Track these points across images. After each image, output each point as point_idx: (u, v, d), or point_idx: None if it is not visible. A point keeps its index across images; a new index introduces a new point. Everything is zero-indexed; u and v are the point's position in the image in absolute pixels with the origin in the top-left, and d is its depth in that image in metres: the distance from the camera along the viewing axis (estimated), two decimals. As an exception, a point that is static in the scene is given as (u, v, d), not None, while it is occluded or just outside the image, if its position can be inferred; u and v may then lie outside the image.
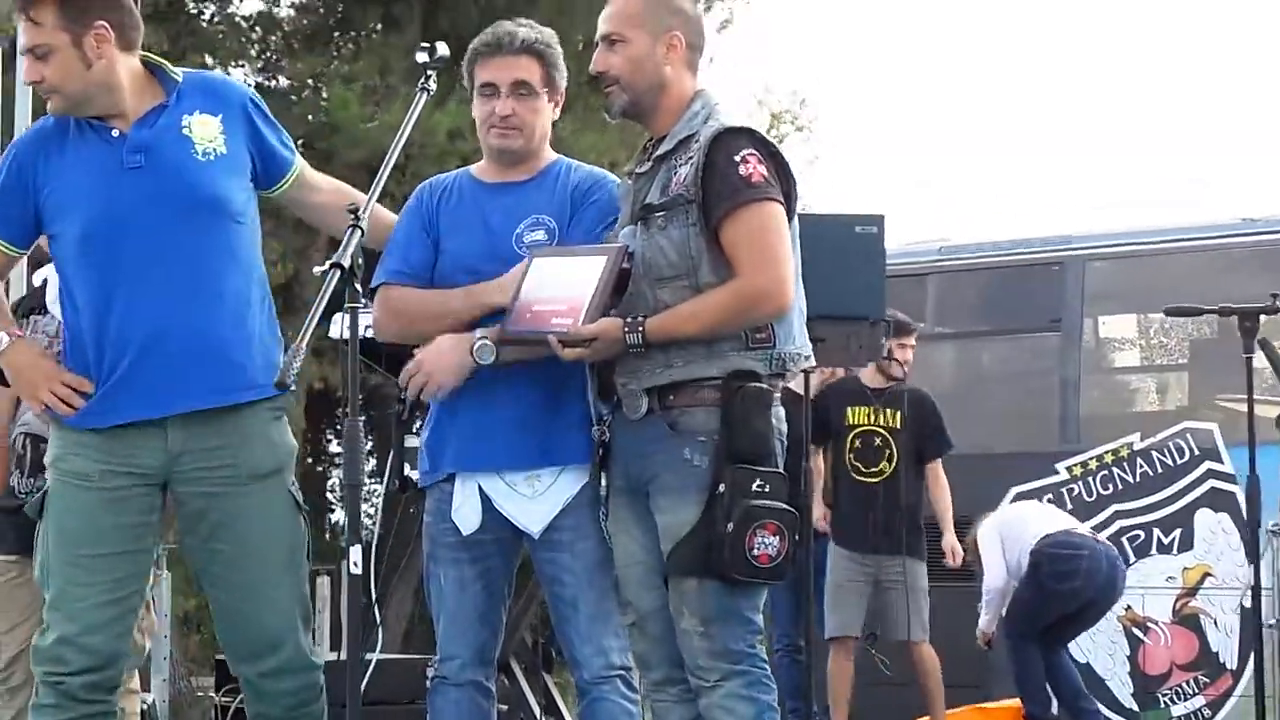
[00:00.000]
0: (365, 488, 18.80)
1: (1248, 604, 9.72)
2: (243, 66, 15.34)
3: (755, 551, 3.96)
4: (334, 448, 18.64)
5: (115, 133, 4.23)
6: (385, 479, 4.62)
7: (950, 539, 8.61)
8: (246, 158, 4.34)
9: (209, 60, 15.95)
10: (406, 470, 4.63)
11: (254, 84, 14.73)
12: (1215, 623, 9.86)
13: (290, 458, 4.38)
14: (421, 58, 4.17)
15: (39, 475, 4.65)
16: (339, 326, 5.23)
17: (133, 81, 4.24)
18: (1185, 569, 9.90)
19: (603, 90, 4.27)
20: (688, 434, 4.07)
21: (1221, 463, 10.05)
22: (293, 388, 3.66)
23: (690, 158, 4.13)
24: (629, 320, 4.07)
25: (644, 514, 4.17)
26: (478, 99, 4.43)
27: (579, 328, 4.07)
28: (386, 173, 3.99)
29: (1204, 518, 9.91)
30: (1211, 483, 9.91)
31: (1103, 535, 9.35)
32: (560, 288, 4.17)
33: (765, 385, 4.08)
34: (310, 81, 14.69)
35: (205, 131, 4.26)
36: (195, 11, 18.26)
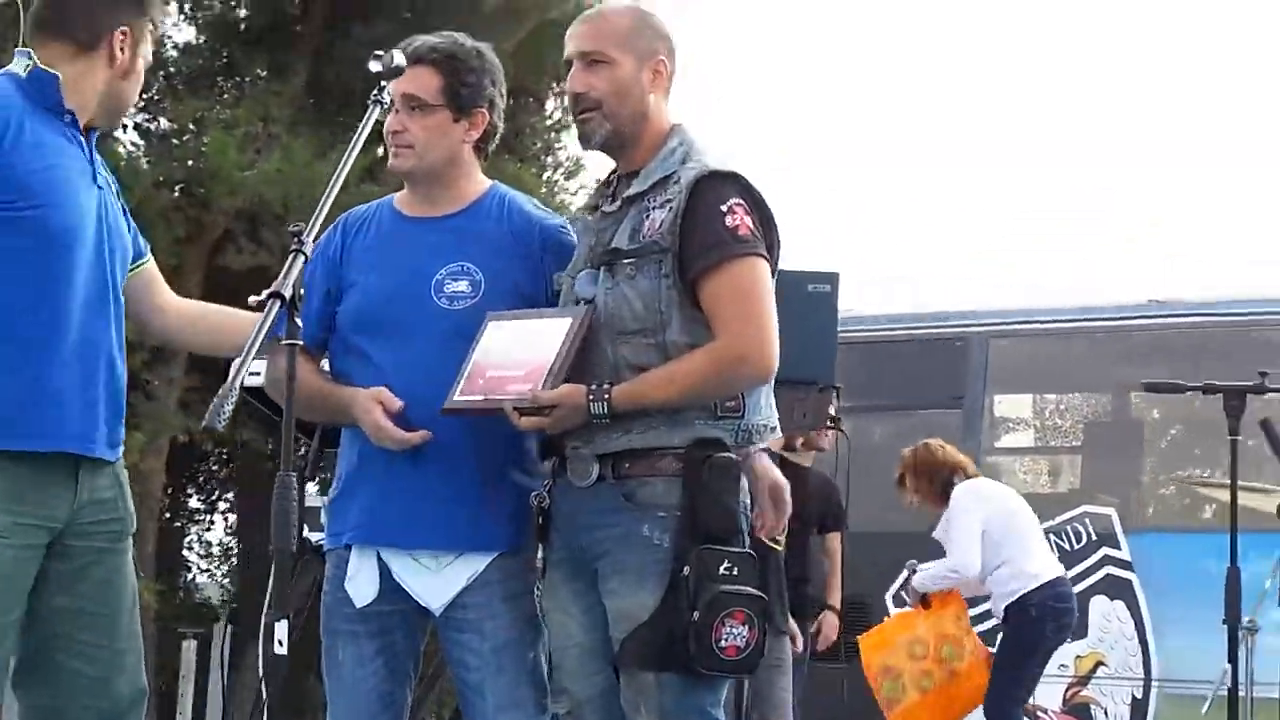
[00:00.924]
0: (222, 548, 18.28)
1: (1139, 695, 9.67)
2: (126, 106, 14.83)
3: (723, 643, 3.59)
4: (194, 503, 18.06)
5: (78, 134, 3.90)
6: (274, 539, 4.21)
7: (833, 619, 8.30)
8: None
9: None
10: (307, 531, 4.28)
11: (135, 124, 14.28)
12: (1106, 713, 9.72)
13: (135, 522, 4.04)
14: (375, 66, 3.71)
15: None
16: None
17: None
18: (1078, 657, 9.76)
19: (578, 115, 3.89)
20: (646, 507, 3.71)
21: (1119, 549, 9.93)
22: (220, 429, 3.25)
23: (668, 201, 3.77)
24: (594, 387, 3.69)
25: (586, 591, 3.80)
26: (389, 118, 4.01)
27: (538, 394, 3.69)
28: (332, 197, 3.56)
29: (1099, 605, 9.79)
30: (1108, 569, 9.78)
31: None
32: (518, 352, 3.79)
33: (734, 456, 3.73)
34: (192, 125, 14.22)
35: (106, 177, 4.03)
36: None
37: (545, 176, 16.97)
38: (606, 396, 3.68)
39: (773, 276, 3.80)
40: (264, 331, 3.30)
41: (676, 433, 3.71)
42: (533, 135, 16.66)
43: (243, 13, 15.86)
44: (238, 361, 3.25)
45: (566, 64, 3.92)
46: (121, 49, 3.92)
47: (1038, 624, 7.96)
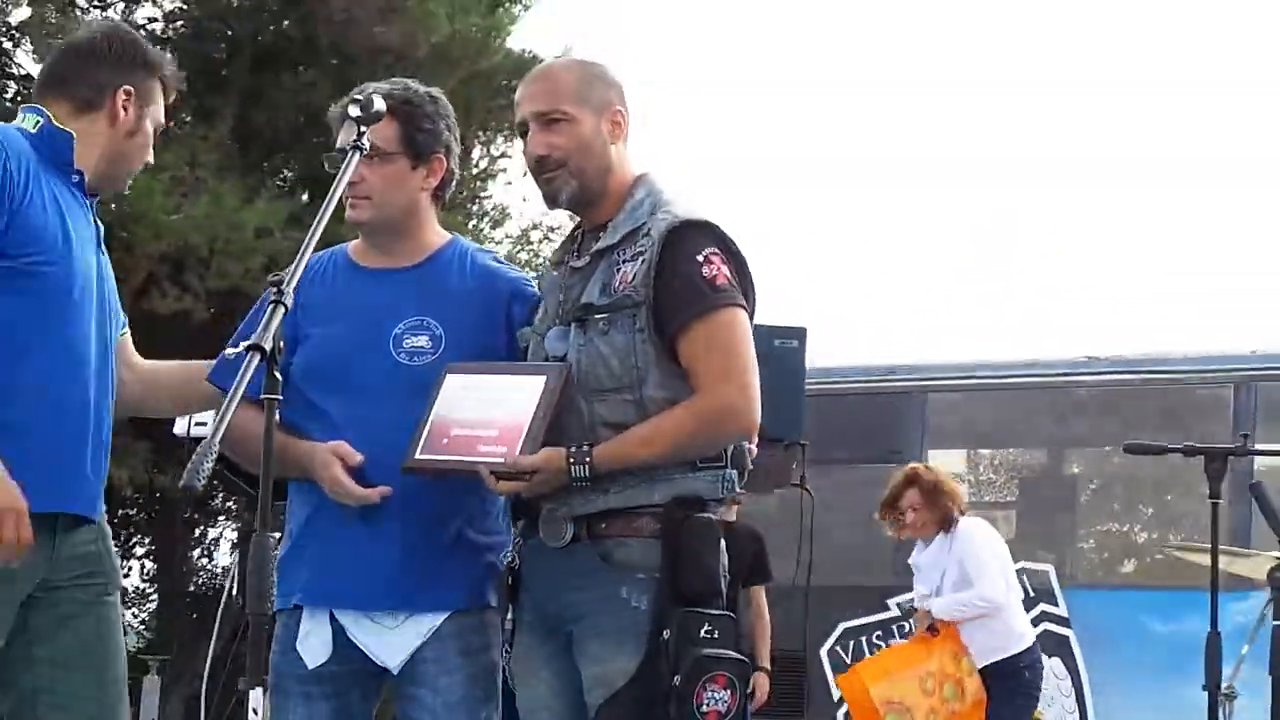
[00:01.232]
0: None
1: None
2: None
3: (704, 708, 3.49)
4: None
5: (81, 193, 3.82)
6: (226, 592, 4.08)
7: (764, 679, 8.12)
8: None
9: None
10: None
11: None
12: (1045, 770, 9.62)
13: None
14: (355, 111, 3.59)
15: None
16: (183, 423, 4.59)
17: None
18: (1015, 714, 9.64)
19: (541, 176, 3.78)
20: (624, 569, 3.60)
21: (1056, 605, 9.89)
22: (199, 489, 3.09)
23: (639, 253, 3.67)
24: (574, 449, 3.58)
25: (557, 655, 3.69)
26: None
27: (517, 459, 3.57)
28: (314, 242, 3.44)
29: (1036, 662, 9.68)
30: (1045, 625, 9.72)
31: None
32: (488, 409, 3.66)
33: (713, 515, 3.64)
34: (117, 168, 14.07)
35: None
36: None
37: (471, 225, 16.93)
38: (588, 460, 3.57)
39: (750, 325, 3.72)
40: (243, 386, 3.15)
41: (656, 489, 3.61)
42: (459, 184, 16.59)
43: (169, 57, 15.69)
44: (216, 419, 3.11)
45: (521, 127, 3.83)
46: (125, 109, 3.84)
47: (1028, 683, 7.84)
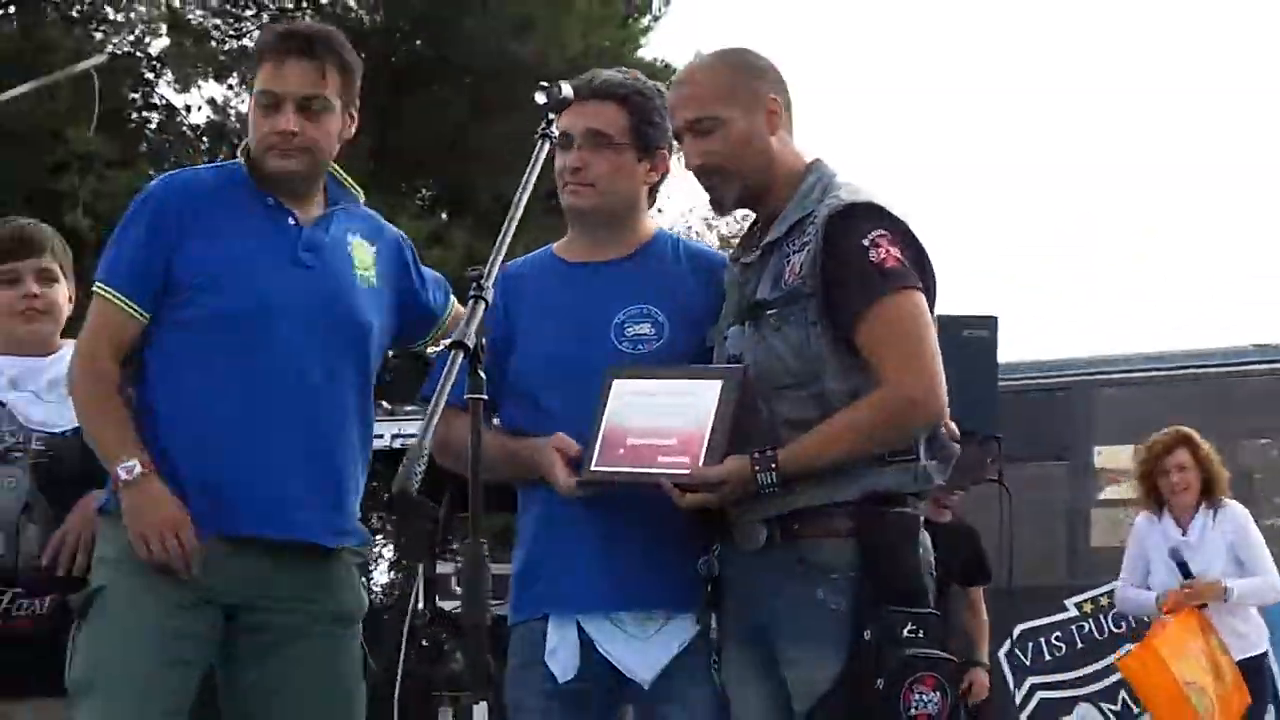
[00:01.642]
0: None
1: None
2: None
3: (913, 710, 3.30)
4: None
5: (291, 220, 3.82)
6: (410, 611, 3.96)
7: (983, 675, 7.82)
8: (394, 302, 3.93)
9: (153, 171, 15.45)
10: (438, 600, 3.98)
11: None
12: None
13: (362, 610, 3.87)
14: (541, 99, 3.48)
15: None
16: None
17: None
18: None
19: (705, 185, 3.64)
20: (819, 570, 3.43)
21: (1226, 599, 9.53)
22: (412, 493, 2.95)
23: (805, 243, 3.50)
24: (758, 456, 3.41)
25: (765, 662, 3.52)
26: (558, 155, 3.76)
27: (702, 471, 3.41)
28: (511, 232, 3.33)
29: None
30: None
31: (1113, 678, 8.84)
32: (663, 417, 3.52)
33: (910, 509, 3.46)
34: (260, 192, 14.15)
35: (362, 257, 3.89)
36: (142, 119, 17.82)
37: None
38: (774, 466, 3.41)
39: (931, 310, 3.53)
40: (449, 385, 3.03)
41: (846, 486, 3.44)
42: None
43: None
44: (425, 418, 3.00)
45: (676, 137, 3.69)
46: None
47: (1272, 687, 7.57)
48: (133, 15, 17.74)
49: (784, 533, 3.46)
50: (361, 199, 3.97)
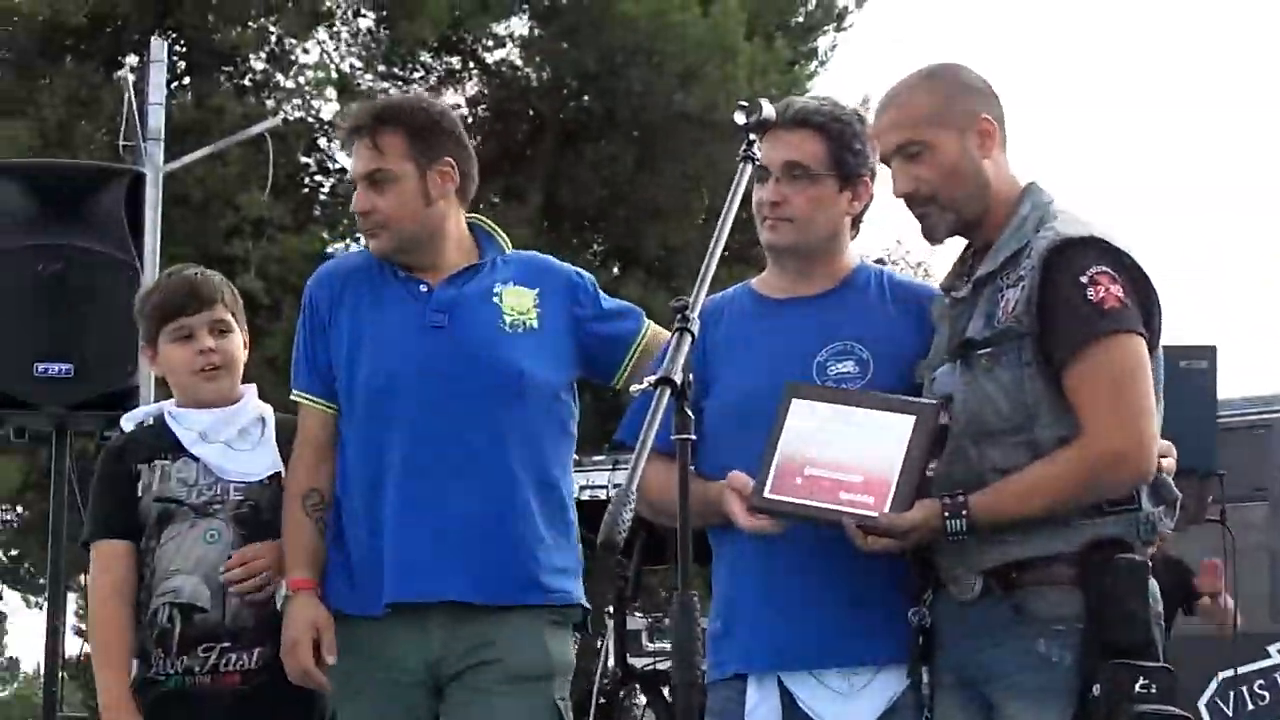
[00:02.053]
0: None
1: None
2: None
3: None
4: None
5: (423, 288, 3.83)
6: (600, 665, 3.84)
7: None
8: (566, 339, 3.84)
9: (325, 234, 15.63)
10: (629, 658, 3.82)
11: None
12: None
13: (567, 669, 3.79)
14: (740, 119, 3.35)
15: (189, 653, 3.89)
16: None
17: (457, 236, 3.89)
18: None
19: (915, 213, 3.47)
20: (1040, 622, 3.24)
21: None
22: (619, 543, 2.80)
23: (1020, 279, 3.32)
24: (948, 500, 3.24)
25: (982, 718, 3.35)
26: (755, 187, 3.61)
27: (892, 518, 3.24)
28: (715, 260, 3.21)
29: None
30: None
31: None
32: (848, 450, 3.33)
33: (1138, 556, 3.26)
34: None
35: (517, 302, 3.83)
36: (314, 184, 18.05)
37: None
38: (965, 514, 3.24)
39: (1153, 353, 3.33)
40: (656, 422, 2.90)
41: (1064, 536, 3.26)
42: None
43: (474, 141, 15.96)
44: (633, 459, 2.87)
45: (884, 162, 3.52)
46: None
47: None
48: (302, 81, 17.99)
49: (1001, 581, 3.29)
50: (507, 248, 3.92)
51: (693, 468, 3.48)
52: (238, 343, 4.08)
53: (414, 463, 3.71)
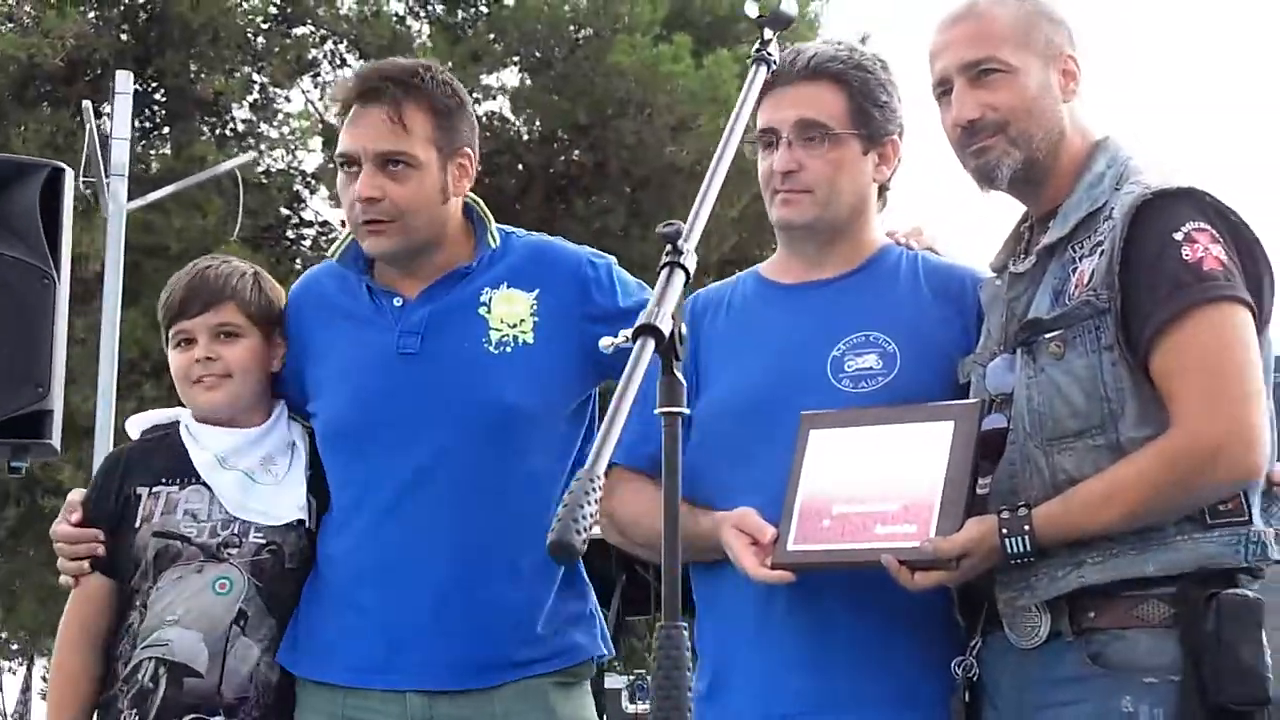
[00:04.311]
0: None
1: None
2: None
3: None
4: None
5: (398, 301, 3.27)
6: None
7: None
8: (567, 351, 3.17)
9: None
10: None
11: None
12: None
13: None
14: (752, 10, 2.79)
15: None
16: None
17: (454, 233, 3.28)
18: None
19: (973, 148, 2.84)
20: (1126, 672, 2.60)
21: None
22: (578, 549, 2.08)
23: (1098, 244, 2.71)
24: (1006, 514, 2.63)
25: None
26: (760, 152, 3.04)
27: (937, 544, 2.64)
28: (717, 184, 2.62)
29: None
30: None
31: None
32: (878, 475, 2.75)
33: (1248, 591, 2.62)
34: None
35: (509, 311, 3.22)
36: (297, 235, 17.74)
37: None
38: (1027, 529, 2.63)
39: (1261, 333, 2.70)
40: (635, 383, 2.23)
41: (1152, 556, 2.63)
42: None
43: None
44: (601, 431, 2.18)
45: (941, 87, 2.88)
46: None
47: None
48: (286, 131, 17.53)
49: (1074, 622, 2.66)
50: (495, 239, 3.28)
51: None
52: (248, 348, 3.38)
53: (385, 516, 3.14)
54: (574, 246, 3.35)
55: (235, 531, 3.28)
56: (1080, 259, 2.73)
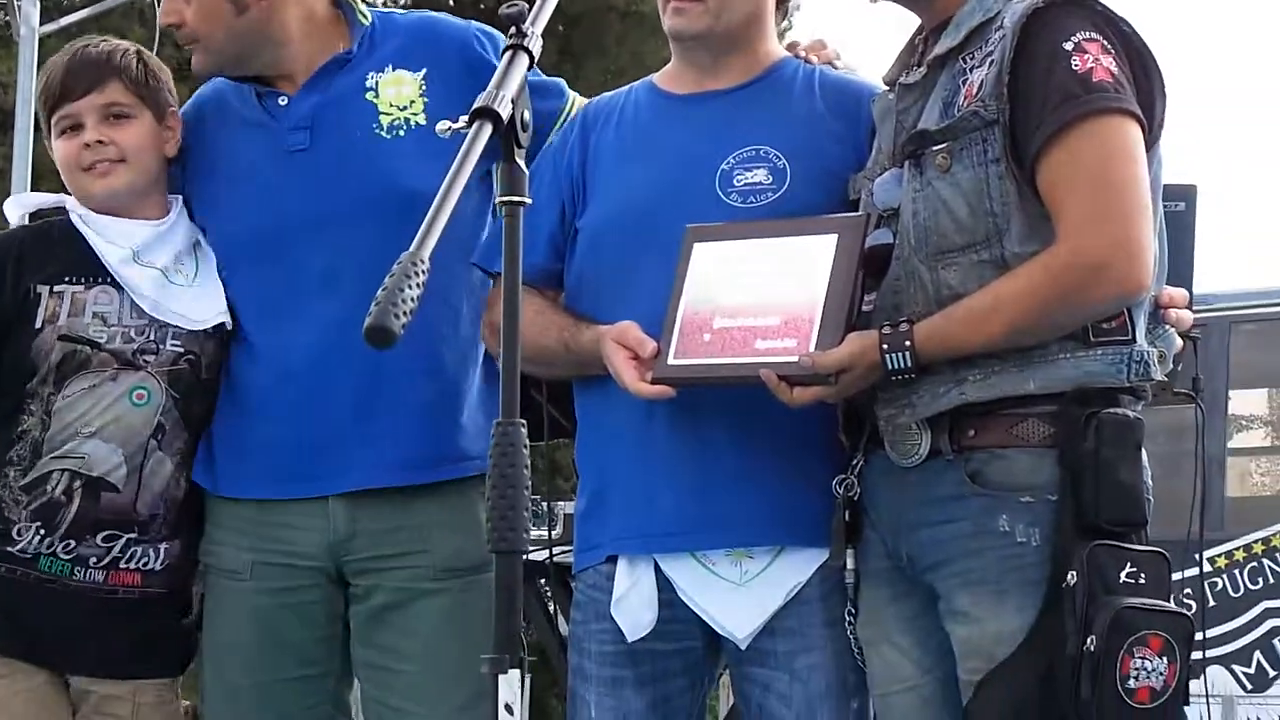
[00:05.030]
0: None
1: None
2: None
3: (1132, 683, 2.46)
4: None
5: (282, 100, 3.16)
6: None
7: None
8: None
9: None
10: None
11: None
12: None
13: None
14: None
15: (84, 539, 3.08)
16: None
17: (308, 27, 3.15)
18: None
19: None
20: (1004, 491, 2.57)
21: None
22: (396, 334, 2.05)
23: (990, 54, 2.63)
24: (888, 330, 2.59)
25: (920, 614, 2.70)
26: None
27: (816, 356, 2.59)
28: None
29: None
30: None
31: (1251, 636, 8.23)
32: (762, 290, 2.70)
33: (1129, 411, 2.59)
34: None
35: (397, 94, 3.12)
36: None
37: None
38: (908, 344, 2.58)
39: (1151, 150, 2.64)
40: (465, 169, 2.15)
41: (1035, 372, 2.58)
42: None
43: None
44: (421, 232, 2.09)
45: None
46: None
47: None
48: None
49: (954, 440, 2.62)
50: (366, 18, 3.19)
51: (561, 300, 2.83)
52: (140, 131, 3.18)
53: (295, 322, 3.08)
54: (461, 21, 3.25)
55: (151, 338, 3.13)
56: (971, 70, 2.66)
